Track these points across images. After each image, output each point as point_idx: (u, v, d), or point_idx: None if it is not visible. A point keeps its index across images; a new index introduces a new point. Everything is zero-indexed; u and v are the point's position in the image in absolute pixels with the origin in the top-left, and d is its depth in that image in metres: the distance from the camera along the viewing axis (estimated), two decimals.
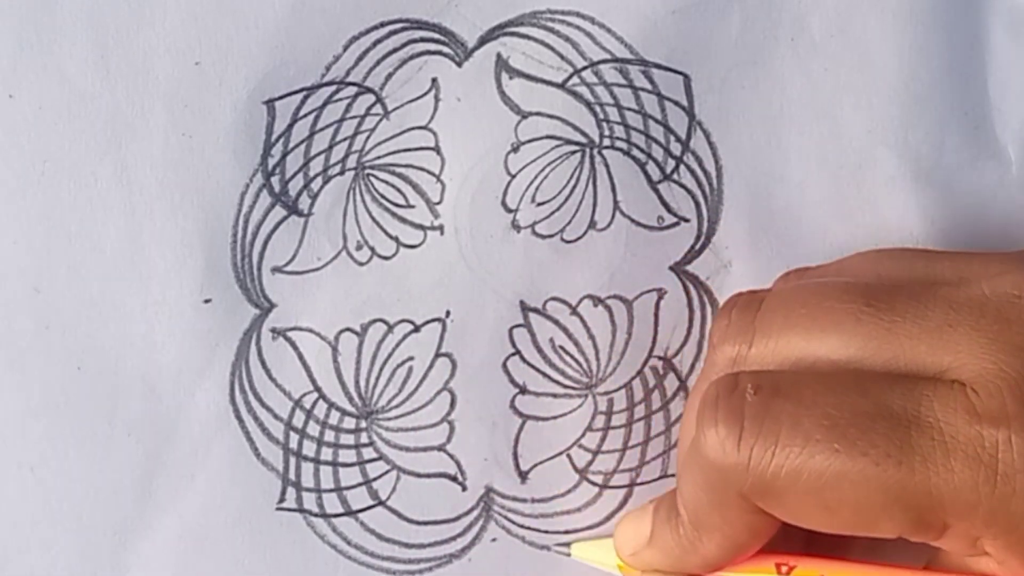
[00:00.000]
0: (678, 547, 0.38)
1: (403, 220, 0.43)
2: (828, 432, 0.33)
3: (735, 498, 0.35)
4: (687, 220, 0.44)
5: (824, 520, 0.35)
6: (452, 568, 0.44)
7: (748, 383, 0.35)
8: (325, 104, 0.43)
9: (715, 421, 0.35)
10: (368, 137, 0.43)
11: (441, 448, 0.43)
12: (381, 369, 0.43)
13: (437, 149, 0.43)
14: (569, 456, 0.44)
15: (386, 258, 0.43)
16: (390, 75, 0.43)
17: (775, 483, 0.34)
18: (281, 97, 0.42)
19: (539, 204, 0.43)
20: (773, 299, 0.38)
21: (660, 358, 0.44)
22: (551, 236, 0.43)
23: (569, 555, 0.43)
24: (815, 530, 0.36)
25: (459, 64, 0.43)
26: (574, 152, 0.43)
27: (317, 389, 0.43)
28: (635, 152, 0.43)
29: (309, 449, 0.43)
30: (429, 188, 0.43)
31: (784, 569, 0.37)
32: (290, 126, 0.43)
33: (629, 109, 0.43)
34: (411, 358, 0.43)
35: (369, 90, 0.43)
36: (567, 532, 0.44)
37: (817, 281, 0.39)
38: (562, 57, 0.43)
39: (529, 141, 0.43)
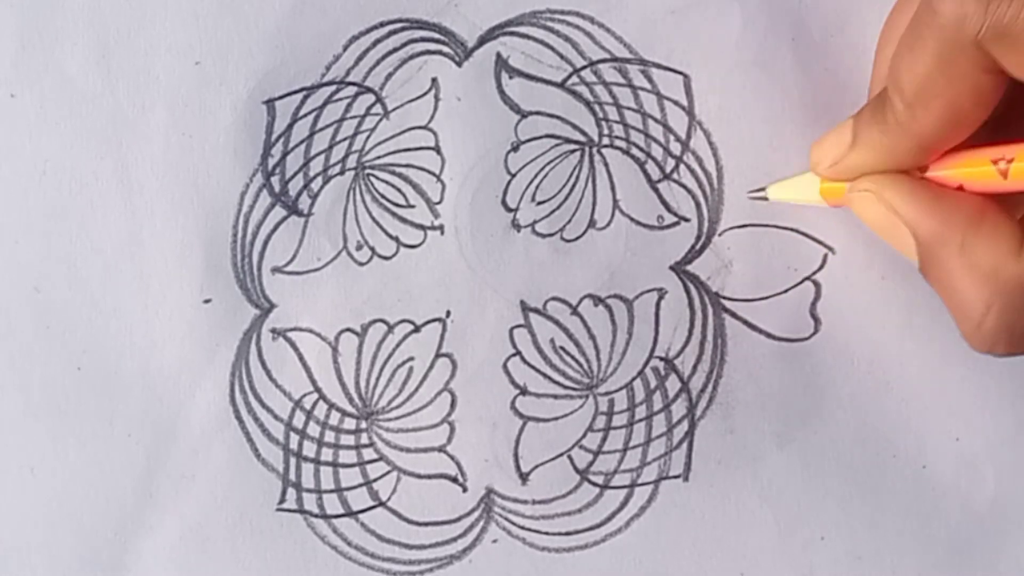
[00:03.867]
0: (887, 137, 0.36)
1: (403, 220, 0.43)
2: None
3: (968, 50, 0.34)
4: (687, 220, 0.44)
5: None
6: (453, 569, 0.43)
7: None
8: (325, 104, 0.43)
9: None
10: (368, 137, 0.43)
11: (442, 449, 0.43)
12: (381, 370, 0.43)
13: (437, 149, 0.43)
14: (570, 457, 0.44)
15: (386, 258, 0.43)
16: (390, 75, 0.43)
17: (1014, 25, 0.33)
18: (281, 97, 0.43)
19: (539, 203, 0.43)
20: None
21: (661, 358, 0.44)
22: (551, 235, 0.43)
23: (767, 199, 0.42)
24: None
25: (459, 64, 0.43)
26: (574, 151, 0.43)
27: (317, 390, 0.43)
28: (634, 151, 0.43)
29: (309, 450, 0.43)
30: (429, 188, 0.43)
31: (1002, 164, 0.36)
32: (290, 126, 0.43)
33: (628, 108, 0.43)
34: (411, 358, 0.43)
35: (369, 90, 0.43)
36: (568, 534, 0.44)
37: None
38: (562, 57, 0.43)
39: (529, 140, 0.43)
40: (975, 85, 0.35)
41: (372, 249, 0.43)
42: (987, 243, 0.35)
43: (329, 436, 0.43)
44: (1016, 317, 0.35)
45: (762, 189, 0.42)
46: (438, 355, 0.43)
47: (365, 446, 0.43)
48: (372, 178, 0.43)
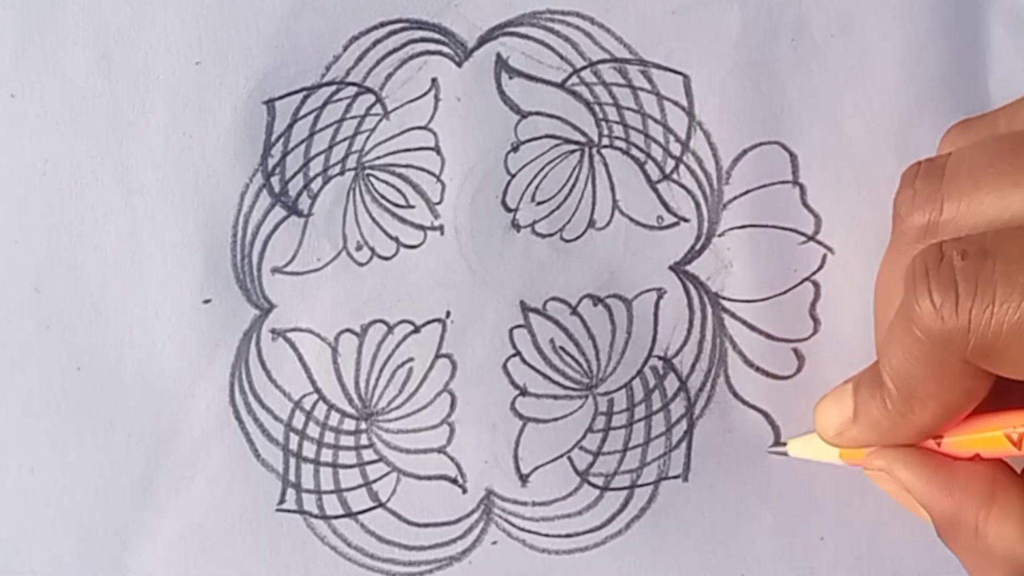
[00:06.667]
0: (887, 420, 0.37)
1: (403, 220, 0.43)
2: None
3: (956, 364, 0.35)
4: (687, 220, 0.44)
5: None
6: (452, 570, 0.43)
7: (953, 250, 0.34)
8: (325, 104, 0.43)
9: (928, 292, 0.34)
10: (368, 137, 0.43)
11: (441, 450, 0.43)
12: (381, 370, 0.43)
13: (437, 149, 0.43)
14: (570, 459, 0.44)
15: (386, 258, 0.43)
16: (390, 75, 0.43)
17: (997, 341, 0.33)
18: (281, 97, 0.43)
19: (539, 203, 0.43)
20: (956, 162, 0.37)
21: (660, 358, 0.44)
22: (551, 235, 0.43)
23: (787, 455, 0.42)
24: None
25: (459, 64, 0.43)
26: (573, 151, 0.43)
27: (317, 390, 0.43)
28: (634, 151, 0.43)
29: (309, 450, 0.43)
30: (429, 188, 0.43)
31: (1014, 434, 0.36)
32: (290, 126, 0.43)
33: (628, 109, 0.43)
34: (411, 359, 0.43)
35: (369, 90, 0.43)
36: (568, 535, 0.44)
37: (997, 136, 0.38)
38: (561, 57, 0.43)
39: (529, 140, 0.43)
40: (967, 388, 0.35)
41: (372, 249, 0.43)
42: (999, 527, 0.36)
43: (329, 437, 0.43)
44: None
45: (783, 444, 0.42)
46: (438, 356, 0.43)
47: (365, 447, 0.43)
48: (372, 178, 0.43)
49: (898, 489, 0.38)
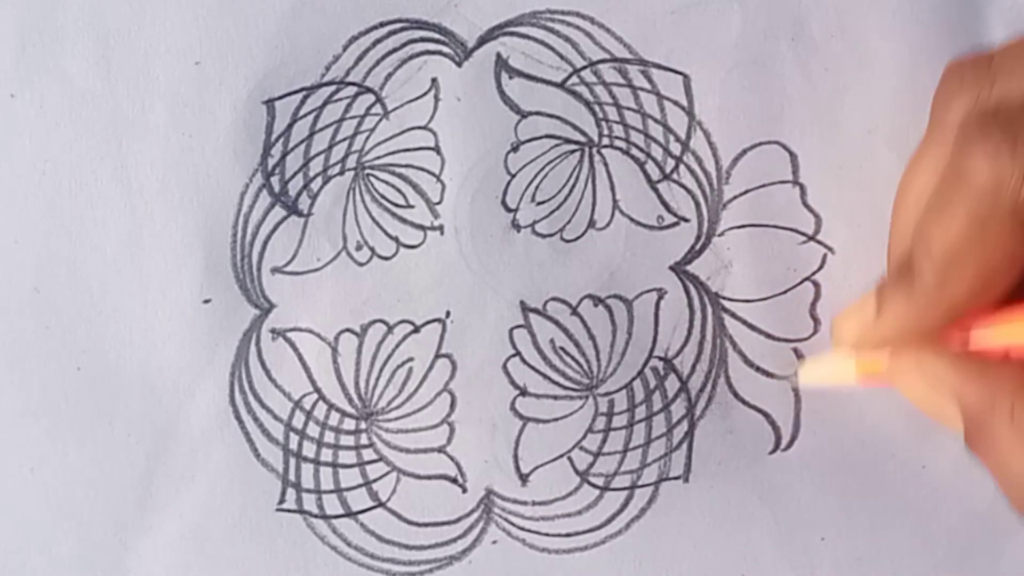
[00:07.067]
0: (914, 306, 0.36)
1: (403, 220, 0.43)
2: None
3: (1005, 217, 0.34)
4: (687, 220, 0.44)
5: None
6: (452, 570, 0.43)
7: (1004, 106, 0.35)
8: (325, 104, 0.43)
9: (985, 137, 0.34)
10: (368, 137, 0.43)
11: (441, 450, 0.43)
12: (381, 370, 0.43)
13: (437, 149, 0.43)
14: (570, 459, 0.44)
15: (386, 258, 0.43)
16: (390, 75, 0.43)
17: None
18: (281, 97, 0.43)
19: (539, 203, 0.43)
20: (1005, 47, 0.37)
21: (661, 358, 0.44)
22: (551, 235, 0.43)
23: (796, 384, 0.42)
24: None
25: (459, 64, 0.43)
26: (573, 151, 0.43)
27: (317, 390, 0.43)
28: (634, 151, 0.43)
29: (309, 450, 0.43)
30: (429, 188, 0.43)
31: None
32: (290, 126, 0.43)
33: (628, 109, 0.43)
34: (411, 359, 0.43)
35: (369, 90, 0.43)
36: (568, 535, 0.44)
37: None
38: (561, 57, 0.43)
39: (529, 140, 0.43)
40: (1010, 251, 0.35)
41: (372, 249, 0.43)
42: None
43: (329, 436, 0.43)
44: None
45: (795, 375, 0.42)
46: (438, 355, 0.43)
47: (365, 446, 0.43)
48: (372, 178, 0.43)
49: (926, 390, 0.37)
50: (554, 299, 0.43)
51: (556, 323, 0.43)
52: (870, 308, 0.37)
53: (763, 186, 0.44)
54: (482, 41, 0.43)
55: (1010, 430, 0.35)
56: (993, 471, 0.36)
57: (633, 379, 0.44)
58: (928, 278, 0.35)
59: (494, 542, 0.44)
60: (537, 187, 0.43)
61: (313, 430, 0.43)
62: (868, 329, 0.38)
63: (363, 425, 0.43)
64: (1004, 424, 0.35)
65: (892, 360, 0.38)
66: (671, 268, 0.44)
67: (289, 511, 0.43)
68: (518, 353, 0.43)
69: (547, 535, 0.44)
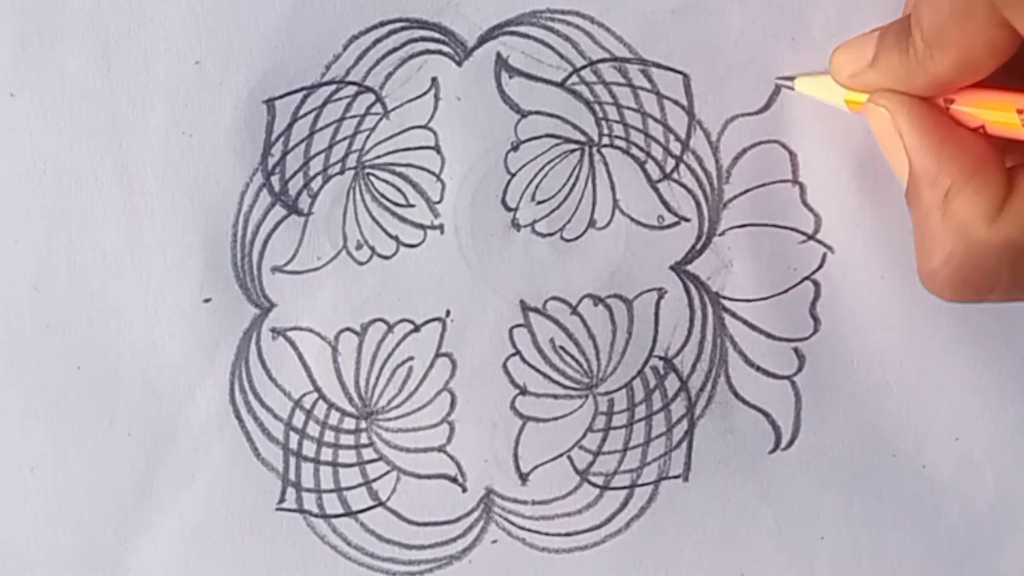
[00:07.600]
0: (905, 67, 0.38)
1: (403, 219, 0.43)
2: None
3: (981, 7, 0.35)
4: (687, 220, 0.44)
5: None
6: (452, 569, 0.44)
7: None
8: (325, 103, 0.43)
9: None
10: (368, 136, 0.43)
11: (441, 449, 0.43)
12: (381, 369, 0.43)
13: (437, 148, 0.43)
14: (570, 458, 0.44)
15: (386, 258, 0.43)
16: (390, 74, 0.43)
17: None
18: (281, 96, 0.43)
19: (539, 203, 0.43)
20: None
21: (661, 358, 0.44)
22: (551, 235, 0.43)
23: (792, 88, 0.43)
24: None
25: (459, 63, 0.43)
26: (573, 151, 0.43)
27: (317, 389, 0.43)
28: (634, 151, 0.43)
29: (309, 449, 0.43)
30: (429, 187, 0.43)
31: None
32: (290, 125, 0.43)
33: (628, 108, 0.43)
34: (411, 358, 0.43)
35: (369, 89, 0.43)
36: (568, 534, 0.44)
37: None
38: (561, 56, 0.43)
39: (529, 140, 0.43)
40: (989, 38, 0.35)
41: (372, 248, 0.43)
42: (969, 200, 0.36)
43: (329, 436, 0.43)
44: (968, 274, 0.36)
45: (792, 78, 0.42)
46: (438, 355, 0.43)
47: (365, 446, 0.43)
48: (372, 177, 0.43)
49: (890, 132, 0.38)
50: (554, 298, 0.43)
51: (556, 322, 0.43)
52: (868, 51, 0.39)
53: (763, 185, 0.44)
54: (482, 40, 0.43)
55: (939, 206, 0.36)
56: (915, 232, 0.38)
57: (633, 378, 0.44)
58: (919, 46, 0.37)
59: (494, 541, 0.44)
60: (537, 186, 0.43)
61: (313, 429, 0.43)
62: (861, 71, 0.39)
63: (363, 424, 0.43)
64: (937, 199, 0.37)
65: (874, 96, 0.39)
66: (671, 268, 0.44)
67: (289, 510, 0.43)
68: (518, 352, 0.43)
69: (547, 534, 0.44)
